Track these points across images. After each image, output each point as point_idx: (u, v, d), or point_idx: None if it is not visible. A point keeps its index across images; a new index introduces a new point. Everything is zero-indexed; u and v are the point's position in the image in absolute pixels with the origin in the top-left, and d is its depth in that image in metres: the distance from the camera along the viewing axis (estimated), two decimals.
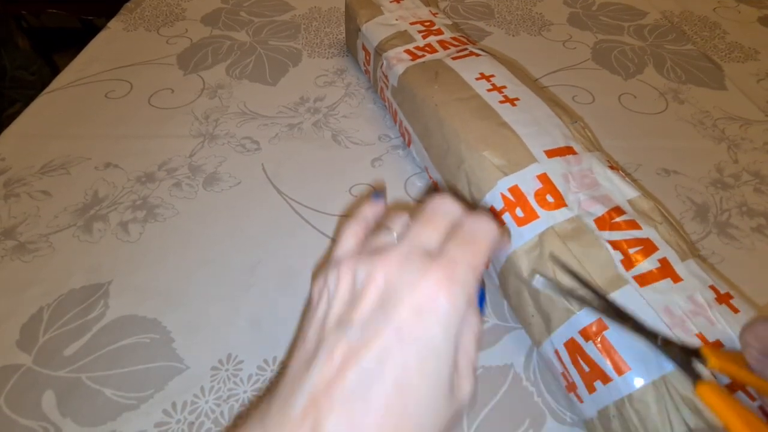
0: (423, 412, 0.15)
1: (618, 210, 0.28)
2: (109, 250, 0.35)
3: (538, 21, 0.63)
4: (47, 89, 0.49)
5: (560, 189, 0.29)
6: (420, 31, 0.45)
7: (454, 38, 0.44)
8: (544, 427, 0.27)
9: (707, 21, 0.64)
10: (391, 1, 0.49)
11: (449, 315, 0.16)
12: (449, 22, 0.47)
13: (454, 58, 0.39)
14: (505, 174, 0.30)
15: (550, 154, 0.30)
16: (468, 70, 0.37)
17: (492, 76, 0.37)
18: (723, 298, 0.25)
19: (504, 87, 0.36)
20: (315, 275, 0.19)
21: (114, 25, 0.60)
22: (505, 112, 0.33)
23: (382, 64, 0.43)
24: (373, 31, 0.46)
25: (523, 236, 0.28)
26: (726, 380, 0.22)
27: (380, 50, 0.44)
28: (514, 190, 0.29)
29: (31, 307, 0.31)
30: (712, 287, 0.25)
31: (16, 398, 0.27)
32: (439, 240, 0.18)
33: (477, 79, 0.36)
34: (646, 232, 0.27)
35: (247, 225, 0.37)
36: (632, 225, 0.27)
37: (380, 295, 0.16)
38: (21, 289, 0.32)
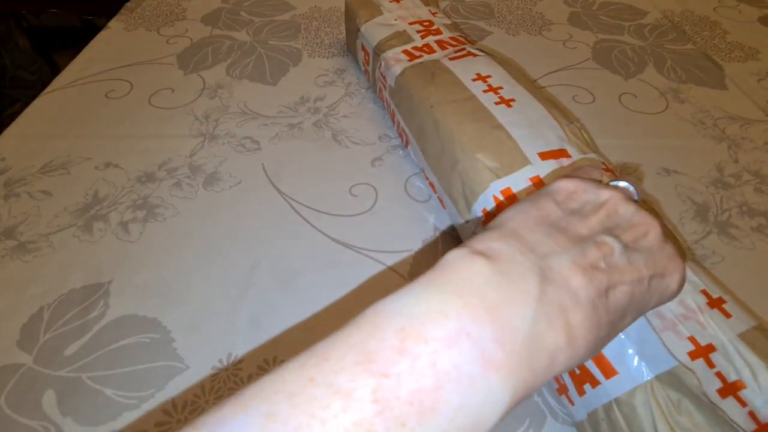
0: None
1: None
2: (109, 250, 0.35)
3: (539, 20, 0.62)
4: (47, 89, 0.49)
5: None
6: (419, 31, 0.45)
7: (452, 38, 0.44)
8: (544, 427, 0.27)
9: (708, 20, 0.64)
10: (390, 1, 0.49)
11: (672, 297, 0.19)
12: (448, 21, 0.47)
13: (451, 59, 0.39)
14: (498, 176, 0.30)
15: (544, 156, 0.30)
16: (465, 70, 0.37)
17: (488, 76, 0.37)
18: (715, 303, 0.25)
19: (500, 88, 0.36)
20: (580, 175, 0.21)
21: (114, 24, 0.60)
22: (500, 113, 0.33)
23: (381, 64, 0.43)
24: (372, 32, 0.46)
25: None
26: None
27: (378, 50, 0.44)
28: (507, 192, 0.29)
29: (31, 306, 0.31)
30: (703, 291, 0.25)
31: (17, 398, 0.27)
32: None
33: (473, 80, 0.36)
34: None
35: (247, 225, 0.37)
36: None
37: (644, 241, 0.18)
38: (21, 288, 0.32)
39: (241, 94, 0.49)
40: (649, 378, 0.22)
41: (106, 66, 0.52)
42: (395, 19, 0.46)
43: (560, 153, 0.31)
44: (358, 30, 0.47)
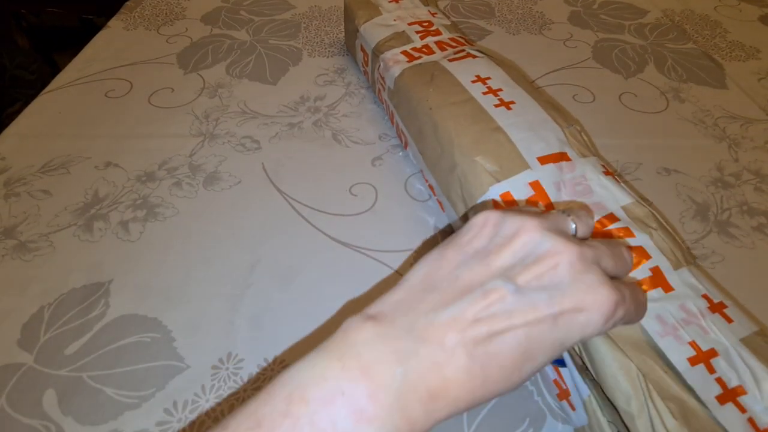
0: (510, 385, 0.16)
1: (611, 217, 0.28)
2: (109, 250, 0.35)
3: (539, 20, 0.62)
4: (47, 88, 0.49)
5: (552, 198, 0.28)
6: (418, 32, 0.44)
7: (452, 39, 0.43)
8: (544, 427, 0.27)
9: (708, 19, 0.63)
10: (389, 1, 0.49)
11: (597, 331, 0.17)
12: (448, 22, 0.47)
13: (450, 60, 0.39)
14: (498, 180, 0.29)
15: (543, 160, 0.30)
16: (464, 72, 0.37)
17: (488, 78, 0.36)
18: (716, 307, 0.25)
19: (500, 90, 0.35)
20: (481, 210, 0.20)
21: (114, 24, 0.60)
22: (499, 116, 0.33)
23: (380, 65, 0.42)
24: (371, 32, 0.45)
25: None
26: None
27: (377, 51, 0.43)
28: (506, 197, 0.29)
29: (31, 306, 0.31)
30: (704, 296, 0.25)
31: (18, 397, 0.27)
32: (611, 264, 0.19)
33: (473, 81, 0.36)
34: (639, 239, 0.27)
35: (247, 224, 0.37)
36: (625, 233, 0.27)
37: (553, 275, 0.17)
38: (22, 288, 0.32)
39: (241, 94, 0.49)
40: (646, 384, 0.22)
41: (106, 65, 0.52)
42: (394, 20, 0.46)
43: (560, 156, 0.31)
44: (357, 30, 0.47)
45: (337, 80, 0.51)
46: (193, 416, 0.27)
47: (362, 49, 0.47)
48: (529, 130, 0.32)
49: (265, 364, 0.29)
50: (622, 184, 0.31)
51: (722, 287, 0.31)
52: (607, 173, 0.31)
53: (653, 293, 0.25)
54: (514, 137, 0.31)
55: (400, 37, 0.44)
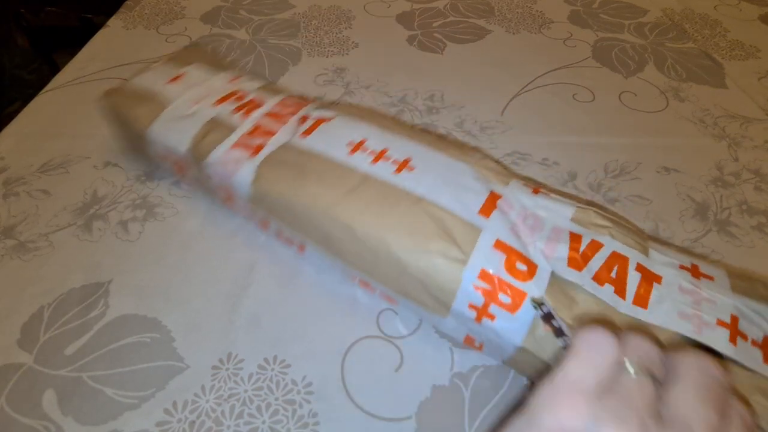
0: None
1: (576, 239, 0.27)
2: (108, 249, 0.35)
3: (539, 19, 0.62)
4: (46, 88, 0.49)
5: (520, 249, 0.26)
6: (234, 111, 0.34)
7: (283, 104, 0.35)
8: None
9: (708, 19, 0.63)
10: (167, 82, 0.37)
11: None
12: (259, 82, 0.38)
13: (304, 135, 0.32)
14: (464, 262, 0.26)
15: (485, 211, 0.27)
16: (333, 145, 0.31)
17: (363, 141, 0.31)
18: (696, 273, 0.25)
19: (385, 150, 0.30)
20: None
21: (113, 23, 0.60)
22: (408, 183, 0.28)
23: (212, 172, 0.32)
24: (170, 133, 0.34)
25: (524, 321, 0.25)
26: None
27: (198, 156, 0.33)
28: (484, 275, 0.25)
29: (31, 306, 0.31)
30: (682, 267, 0.26)
31: (17, 397, 0.27)
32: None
33: (350, 153, 0.30)
34: (607, 245, 0.26)
35: (247, 223, 0.37)
36: (594, 247, 0.26)
37: None
38: (21, 288, 0.32)
39: None
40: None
41: (105, 65, 0.52)
42: (193, 105, 0.35)
43: (493, 198, 0.28)
44: (143, 137, 0.35)
45: (336, 80, 0.51)
46: (193, 416, 0.27)
47: (165, 157, 0.35)
48: (447, 185, 0.29)
49: (265, 365, 0.29)
50: (551, 195, 0.30)
51: (675, 245, 0.32)
52: (535, 191, 0.30)
53: (655, 295, 0.25)
54: (443, 202, 0.28)
55: (218, 127, 0.33)
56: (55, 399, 0.27)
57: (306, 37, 0.58)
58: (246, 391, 0.28)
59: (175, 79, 0.37)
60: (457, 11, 0.64)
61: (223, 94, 0.36)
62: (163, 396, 0.28)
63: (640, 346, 0.16)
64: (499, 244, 0.26)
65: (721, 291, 0.25)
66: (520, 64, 0.54)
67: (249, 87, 0.36)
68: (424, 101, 0.49)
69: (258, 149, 0.32)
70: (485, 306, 0.25)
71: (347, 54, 0.55)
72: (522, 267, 0.25)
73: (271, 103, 0.35)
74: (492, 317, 0.26)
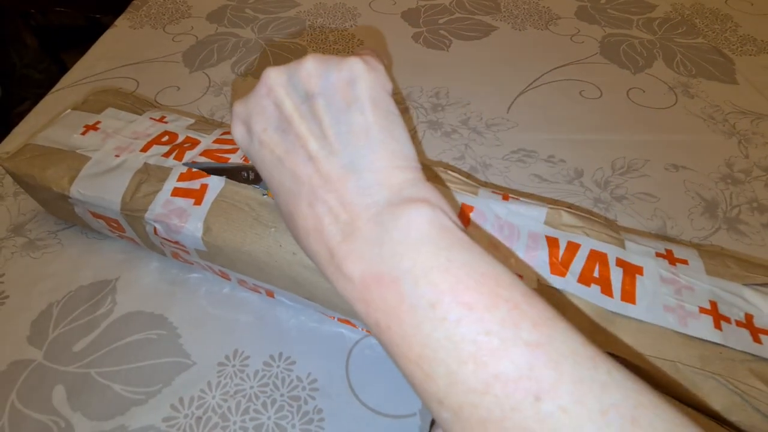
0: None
1: (554, 243, 0.26)
2: (116, 247, 0.35)
3: (546, 15, 0.62)
4: (55, 87, 0.50)
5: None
6: (166, 155, 0.30)
7: (222, 140, 0.32)
8: None
9: (719, 13, 0.62)
10: (81, 134, 0.32)
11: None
12: (189, 119, 0.34)
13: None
14: None
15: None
16: None
17: None
18: (671, 259, 0.25)
19: None
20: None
21: (120, 23, 0.60)
22: None
23: (155, 228, 0.29)
24: (97, 190, 0.29)
25: None
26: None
27: (134, 212, 0.29)
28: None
29: (41, 303, 0.32)
30: (658, 254, 0.26)
31: (28, 393, 0.28)
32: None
33: None
34: (584, 245, 0.26)
35: None
36: (573, 249, 0.26)
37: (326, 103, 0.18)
38: (31, 285, 0.33)
39: (246, 92, 0.49)
40: None
41: (113, 64, 0.53)
42: (116, 156, 0.30)
43: (466, 210, 0.27)
44: (67, 197, 0.30)
45: None
46: (199, 412, 0.27)
47: (98, 216, 0.31)
48: None
49: (270, 361, 0.29)
50: (520, 199, 0.29)
51: (645, 233, 0.31)
52: (505, 198, 0.29)
53: (640, 289, 0.25)
54: None
55: (151, 175, 0.29)
56: (65, 394, 0.28)
57: (311, 35, 0.58)
58: (252, 387, 0.28)
59: (89, 128, 0.32)
60: (462, 8, 0.63)
61: (151, 138, 0.32)
62: (169, 392, 0.28)
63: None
64: None
65: (696, 276, 0.25)
66: (527, 61, 0.53)
67: (179, 126, 0.33)
68: (430, 98, 0.48)
69: (201, 194, 0.28)
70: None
71: (352, 51, 0.55)
72: None
73: (207, 141, 0.31)
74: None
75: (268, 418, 0.27)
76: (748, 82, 0.51)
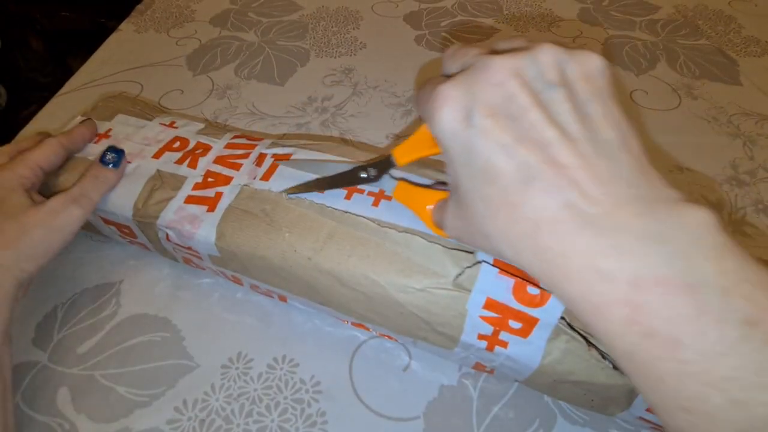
0: None
1: None
2: (120, 249, 0.35)
3: (548, 17, 0.62)
4: (61, 91, 0.50)
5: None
6: (179, 161, 0.30)
7: (233, 144, 0.31)
8: (555, 428, 0.27)
9: (722, 15, 0.62)
10: (96, 142, 0.32)
11: None
12: (198, 124, 0.34)
13: (265, 179, 0.28)
14: (468, 290, 0.23)
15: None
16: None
17: None
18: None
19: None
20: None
21: (125, 27, 0.61)
22: (389, 216, 0.26)
23: (167, 235, 0.29)
24: (109, 198, 0.29)
25: (538, 345, 0.23)
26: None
27: (146, 219, 0.29)
28: (491, 303, 0.23)
29: (45, 305, 0.32)
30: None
31: (32, 395, 0.28)
32: None
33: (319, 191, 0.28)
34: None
35: None
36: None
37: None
38: (36, 287, 0.33)
39: (250, 95, 0.50)
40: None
41: (118, 68, 0.53)
42: (128, 162, 0.31)
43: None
44: None
45: (344, 80, 0.51)
46: (203, 415, 0.27)
47: (108, 222, 0.31)
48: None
49: (274, 364, 0.29)
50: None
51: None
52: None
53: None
54: (430, 231, 0.25)
55: (164, 182, 0.29)
56: (69, 397, 0.28)
57: (314, 38, 0.58)
58: (255, 390, 0.28)
59: (100, 137, 0.32)
60: (465, 10, 0.63)
61: (162, 144, 0.31)
62: (173, 394, 0.28)
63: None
64: (502, 265, 0.23)
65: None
66: None
67: (189, 131, 0.32)
68: None
69: (215, 201, 0.28)
70: (495, 334, 0.24)
71: (355, 54, 0.55)
72: (533, 291, 0.23)
73: (219, 146, 0.31)
74: (504, 344, 0.24)
75: (272, 420, 0.27)
76: (752, 83, 0.50)
